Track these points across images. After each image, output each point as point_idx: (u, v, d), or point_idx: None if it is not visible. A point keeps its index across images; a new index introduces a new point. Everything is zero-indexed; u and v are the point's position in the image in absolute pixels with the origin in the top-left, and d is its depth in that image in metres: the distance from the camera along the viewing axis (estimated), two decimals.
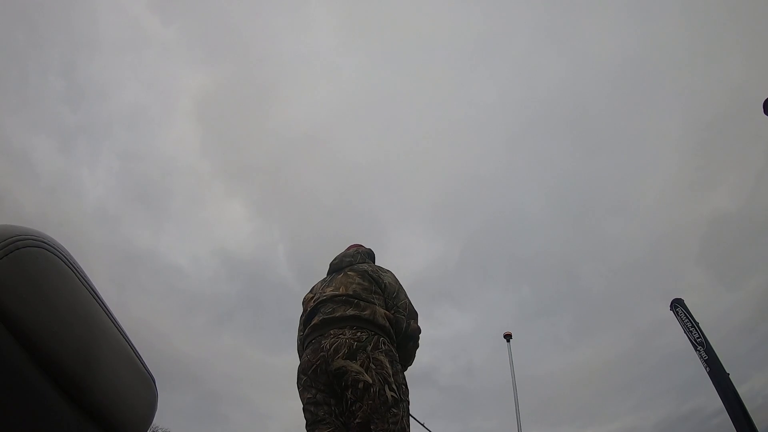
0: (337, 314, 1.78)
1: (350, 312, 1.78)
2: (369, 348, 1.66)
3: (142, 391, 0.63)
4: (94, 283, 0.56)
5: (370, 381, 1.58)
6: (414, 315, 1.98)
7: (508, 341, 8.19)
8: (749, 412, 6.91)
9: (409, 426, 1.61)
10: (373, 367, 1.61)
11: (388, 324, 1.81)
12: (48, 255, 0.49)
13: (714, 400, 7.65)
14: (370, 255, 2.30)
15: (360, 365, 1.62)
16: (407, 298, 2.01)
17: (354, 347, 1.66)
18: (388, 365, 1.64)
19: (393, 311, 1.90)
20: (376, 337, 1.71)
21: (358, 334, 1.70)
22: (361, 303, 1.83)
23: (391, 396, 1.57)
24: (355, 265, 2.09)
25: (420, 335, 1.95)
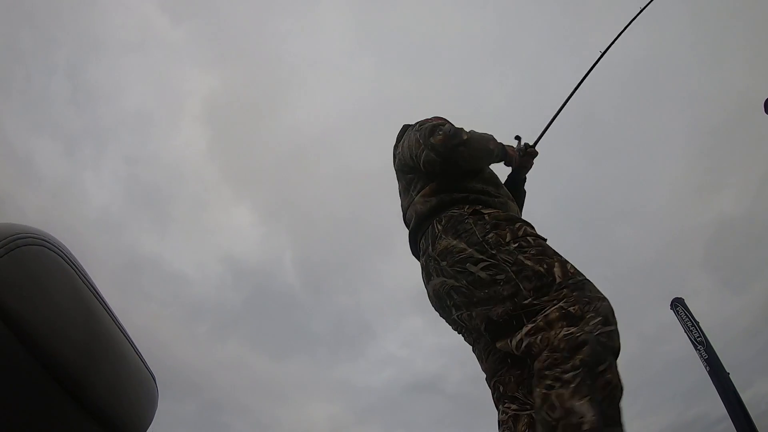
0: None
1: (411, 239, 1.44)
2: (430, 250, 1.26)
3: (143, 388, 0.63)
4: (95, 282, 0.57)
5: (452, 280, 1.18)
6: (423, 138, 1.38)
7: None
8: (753, 418, 6.87)
9: (540, 259, 1.09)
10: (445, 263, 1.20)
11: (428, 201, 1.35)
12: (49, 253, 0.50)
13: (718, 407, 7.60)
14: (399, 139, 1.64)
15: (437, 274, 1.23)
16: (414, 131, 1.45)
17: (421, 268, 1.34)
18: (453, 241, 1.20)
19: (418, 163, 1.40)
20: (426, 231, 1.31)
21: (419, 249, 1.36)
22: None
23: (482, 269, 1.12)
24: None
25: (454, 134, 1.34)
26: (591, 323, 0.96)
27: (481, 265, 1.13)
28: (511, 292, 1.07)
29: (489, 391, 1.28)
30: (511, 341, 1.05)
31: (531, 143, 1.71)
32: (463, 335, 1.37)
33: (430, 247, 1.27)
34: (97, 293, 0.56)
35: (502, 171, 1.57)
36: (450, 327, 1.38)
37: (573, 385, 0.87)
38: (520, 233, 1.16)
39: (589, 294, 1.02)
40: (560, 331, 0.96)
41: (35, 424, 0.46)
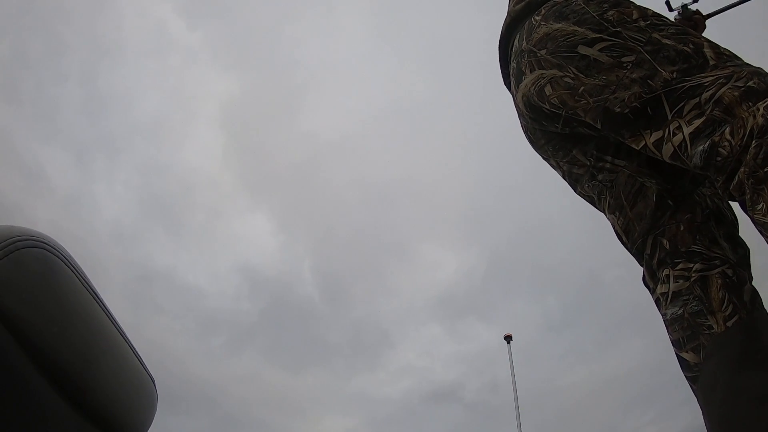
0: None
1: None
2: (524, 44, 0.93)
3: (143, 391, 0.63)
4: (95, 285, 0.57)
5: (552, 70, 0.85)
6: None
7: (509, 343, 8.08)
8: None
9: (683, 38, 0.78)
10: (544, 51, 0.87)
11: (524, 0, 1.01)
12: (49, 256, 0.50)
13: None
14: None
15: (530, 69, 0.90)
16: None
17: (511, 78, 1.02)
18: (557, 24, 0.87)
19: None
20: (519, 31, 0.98)
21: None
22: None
23: (601, 51, 0.81)
24: None
25: None
26: None
27: (599, 45, 0.81)
28: (644, 75, 0.75)
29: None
30: (659, 146, 0.73)
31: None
32: (575, 177, 0.99)
33: (524, 42, 0.93)
34: (98, 296, 0.57)
35: None
36: (551, 169, 1.05)
37: None
38: (650, 12, 0.85)
39: (762, 70, 0.70)
40: (754, 110, 0.63)
41: (33, 427, 0.46)
